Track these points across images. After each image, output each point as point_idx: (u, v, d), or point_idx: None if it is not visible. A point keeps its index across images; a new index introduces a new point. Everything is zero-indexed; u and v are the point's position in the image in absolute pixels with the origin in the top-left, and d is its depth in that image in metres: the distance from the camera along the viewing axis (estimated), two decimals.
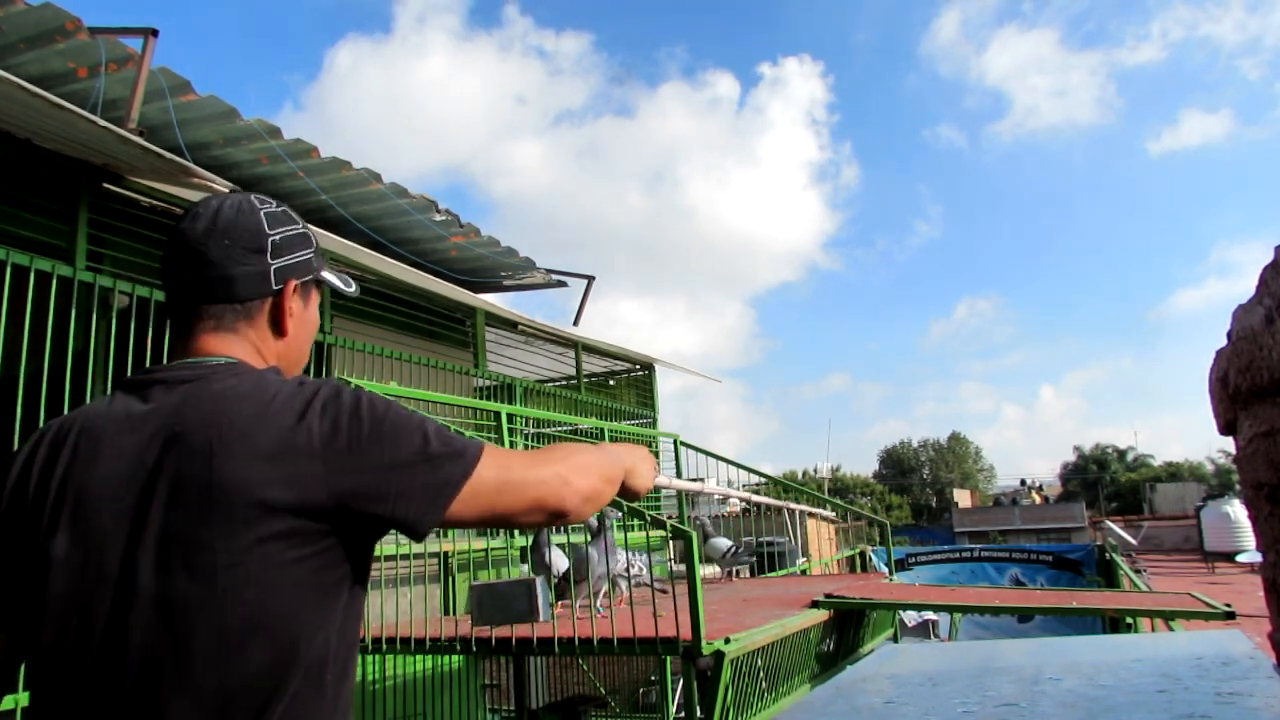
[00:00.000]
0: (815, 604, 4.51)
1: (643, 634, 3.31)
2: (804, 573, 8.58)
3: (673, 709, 5.96)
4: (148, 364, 3.21)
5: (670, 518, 7.16)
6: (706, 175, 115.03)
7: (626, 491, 1.25)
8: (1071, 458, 60.86)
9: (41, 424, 3.05)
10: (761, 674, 3.75)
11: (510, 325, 7.92)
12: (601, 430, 6.87)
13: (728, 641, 3.30)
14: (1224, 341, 1.15)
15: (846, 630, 5.04)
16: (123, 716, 0.86)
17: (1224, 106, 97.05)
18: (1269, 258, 1.01)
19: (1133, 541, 25.99)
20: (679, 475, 7.77)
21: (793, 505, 8.53)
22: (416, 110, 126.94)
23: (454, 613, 5.42)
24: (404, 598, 3.91)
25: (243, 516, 0.86)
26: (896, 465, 65.27)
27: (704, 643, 3.16)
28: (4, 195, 3.98)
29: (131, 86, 4.19)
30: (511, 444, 5.86)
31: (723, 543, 6.62)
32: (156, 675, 0.85)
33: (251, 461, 0.88)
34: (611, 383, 9.67)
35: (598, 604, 3.89)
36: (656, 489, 6.98)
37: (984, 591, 6.63)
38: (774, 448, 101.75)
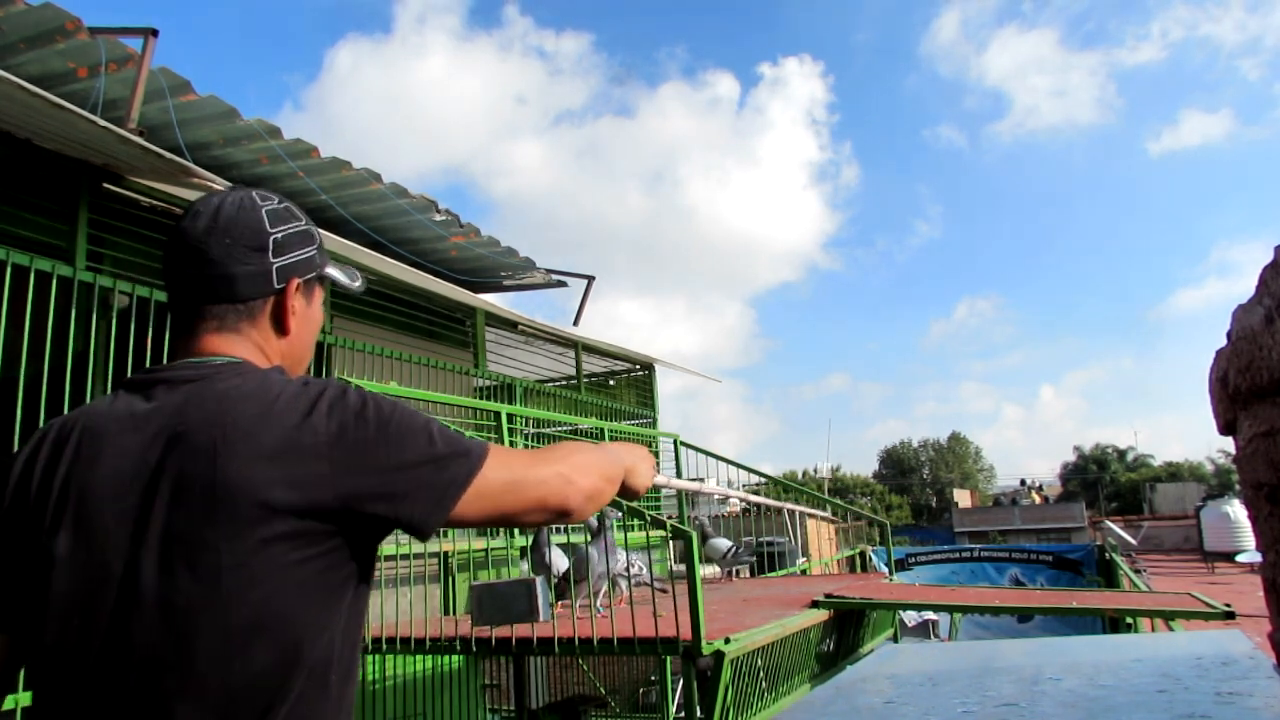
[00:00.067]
0: (815, 604, 4.51)
1: (643, 634, 3.31)
2: (804, 573, 8.58)
3: (673, 709, 5.96)
4: (148, 364, 3.21)
5: (670, 518, 7.15)
6: (706, 175, 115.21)
7: (626, 491, 1.25)
8: (1071, 458, 60.93)
9: (41, 424, 3.05)
10: (761, 674, 3.75)
11: (510, 325, 7.91)
12: (601, 430, 6.87)
13: (728, 641, 3.30)
14: (1224, 341, 1.15)
15: (846, 630, 5.04)
16: (126, 717, 0.85)
17: (1224, 106, 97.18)
18: (1269, 258, 1.01)
19: (1133, 541, 25.99)
20: (679, 475, 7.76)
21: (792, 506, 8.54)
22: (416, 110, 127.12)
23: (454, 613, 5.42)
24: (404, 598, 3.91)
25: (248, 517, 0.86)
26: (896, 465, 65.26)
27: (704, 643, 3.16)
28: (4, 195, 3.98)
29: (131, 86, 4.19)
30: (511, 444, 5.86)
31: (722, 543, 6.63)
32: (160, 676, 0.85)
33: (256, 461, 0.88)
34: (611, 383, 9.67)
35: (598, 604, 3.89)
36: (656, 488, 6.98)
37: (984, 591, 6.63)
38: (774, 448, 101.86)
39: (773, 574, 8.21)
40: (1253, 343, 1.02)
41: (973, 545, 16.77)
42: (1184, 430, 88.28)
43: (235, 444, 0.88)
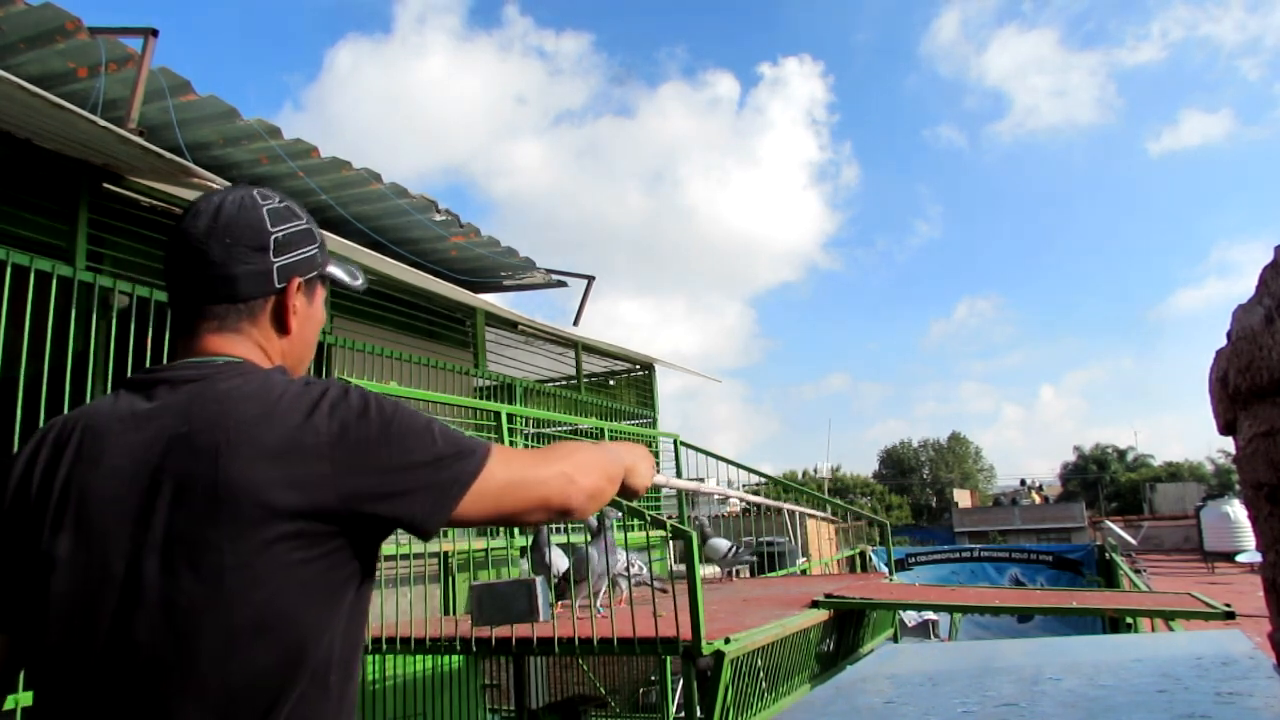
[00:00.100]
0: (815, 604, 4.51)
1: (643, 634, 3.31)
2: (804, 573, 8.58)
3: (673, 709, 5.96)
4: (148, 364, 3.21)
5: (670, 518, 7.16)
6: (706, 175, 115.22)
7: (626, 490, 1.25)
8: (1071, 458, 60.93)
9: (42, 424, 3.05)
10: (761, 674, 3.75)
11: (510, 325, 7.92)
12: (601, 430, 6.87)
13: (728, 641, 3.30)
14: (1224, 341, 1.15)
15: (846, 630, 5.04)
16: (128, 717, 0.85)
17: (1224, 106, 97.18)
18: (1269, 258, 1.01)
19: (1133, 541, 25.99)
20: (679, 475, 7.76)
21: (792, 506, 8.54)
22: (416, 110, 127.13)
23: (454, 613, 5.42)
24: (404, 598, 3.91)
25: (250, 518, 0.86)
26: (896, 465, 65.26)
27: (704, 643, 3.16)
28: (4, 195, 3.98)
29: (131, 86, 4.19)
30: (511, 444, 5.85)
31: (721, 543, 6.63)
32: (162, 676, 0.84)
33: (259, 462, 0.88)
34: (611, 383, 9.67)
35: (598, 604, 3.89)
36: (656, 488, 6.98)
37: (984, 591, 6.63)
38: (774, 448, 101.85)
39: (773, 574, 8.21)
40: (1253, 343, 1.02)
41: (973, 545, 16.77)
42: (1184, 430, 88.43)
43: (238, 445, 0.88)
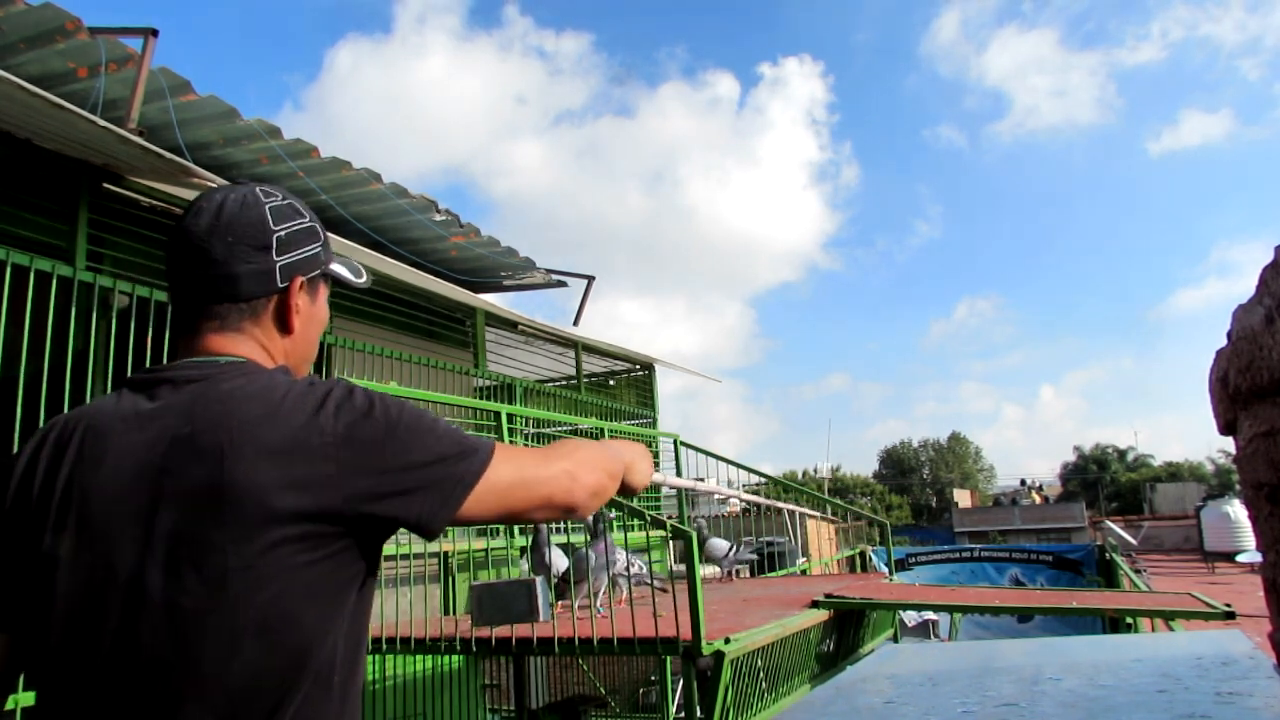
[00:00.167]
0: (815, 604, 4.51)
1: (643, 634, 3.31)
2: (804, 573, 8.58)
3: (673, 709, 5.96)
4: (148, 364, 3.21)
5: (670, 518, 7.16)
6: (706, 175, 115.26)
7: (625, 487, 1.25)
8: (1071, 458, 60.93)
9: (42, 424, 3.05)
10: (761, 674, 3.75)
11: (510, 325, 7.92)
12: (601, 430, 6.87)
13: (728, 641, 3.30)
14: (1224, 341, 1.15)
15: (846, 630, 5.04)
16: (132, 718, 0.85)
17: (1224, 106, 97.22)
18: (1269, 258, 1.01)
19: (1133, 541, 25.99)
20: (679, 475, 7.76)
21: (792, 506, 8.54)
22: (416, 110, 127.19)
23: (454, 613, 5.42)
24: (404, 598, 3.91)
25: (255, 519, 0.86)
26: (896, 465, 65.25)
27: (704, 643, 3.16)
28: (4, 195, 3.98)
29: (131, 86, 4.19)
30: (512, 444, 5.85)
31: (721, 544, 6.62)
32: (165, 678, 0.84)
33: (263, 463, 0.87)
34: (611, 383, 9.67)
35: (597, 604, 3.89)
36: (655, 488, 6.98)
37: (984, 591, 6.63)
38: (774, 448, 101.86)
39: (773, 574, 8.20)
40: (1253, 343, 1.02)
41: (973, 545, 16.78)
42: (1184, 430, 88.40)
43: (242, 446, 0.88)
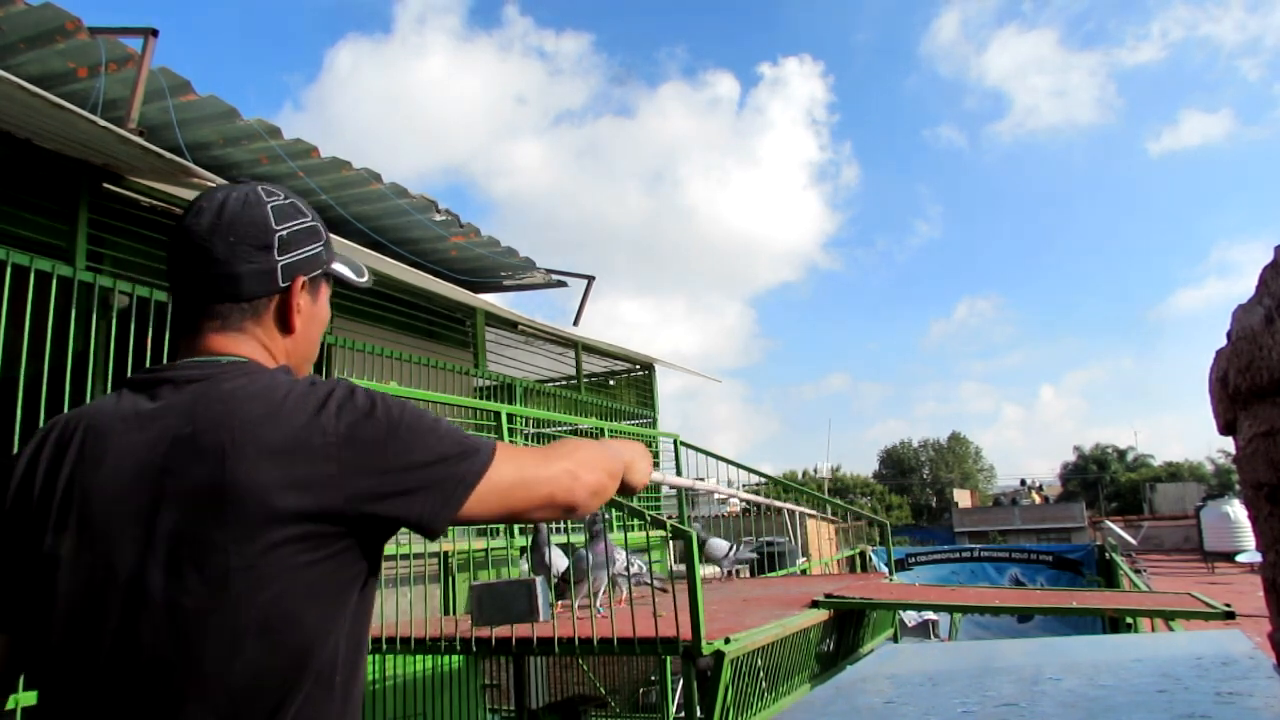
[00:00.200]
0: (815, 604, 4.51)
1: (643, 634, 3.31)
2: (804, 573, 8.58)
3: (673, 709, 5.96)
4: (148, 364, 3.21)
5: (670, 518, 7.16)
6: (706, 175, 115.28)
7: (624, 486, 1.25)
8: (1071, 458, 60.93)
9: (42, 424, 3.05)
10: (761, 674, 3.75)
11: (510, 325, 7.92)
12: (601, 430, 6.87)
13: (728, 641, 3.30)
14: (1224, 341, 1.15)
15: (846, 630, 5.04)
16: (133, 718, 0.85)
17: (1224, 106, 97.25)
18: (1269, 258, 1.01)
19: (1133, 541, 25.99)
20: (679, 475, 7.76)
21: (792, 506, 8.53)
22: (416, 110, 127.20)
23: (454, 613, 5.42)
24: (404, 598, 3.91)
25: (256, 519, 0.86)
26: (896, 465, 65.25)
27: (704, 643, 3.16)
28: (4, 195, 3.98)
29: (131, 86, 4.19)
30: (512, 444, 5.85)
31: (720, 544, 6.62)
32: (166, 678, 0.84)
33: (265, 463, 0.87)
34: (611, 383, 9.67)
35: (597, 604, 3.89)
36: (655, 487, 6.98)
37: (984, 591, 6.63)
38: (774, 448, 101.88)
39: (773, 574, 8.20)
40: (1253, 343, 1.02)
41: (973, 545, 16.78)
42: (1184, 430, 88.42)
43: (244, 446, 0.88)
